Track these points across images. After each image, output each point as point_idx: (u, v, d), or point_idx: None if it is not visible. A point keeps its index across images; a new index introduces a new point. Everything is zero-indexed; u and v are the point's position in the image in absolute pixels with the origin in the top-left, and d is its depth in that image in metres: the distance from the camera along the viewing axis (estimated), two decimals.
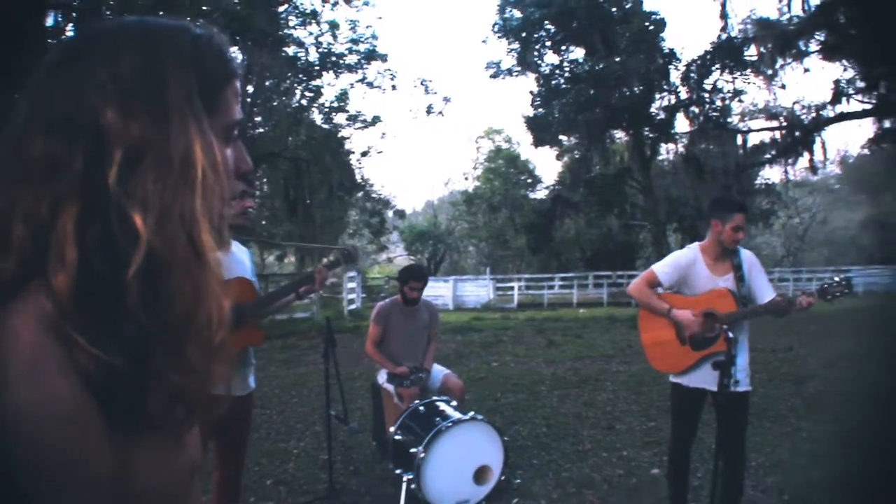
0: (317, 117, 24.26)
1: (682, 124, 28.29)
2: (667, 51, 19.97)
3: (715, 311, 3.85)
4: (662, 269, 4.04)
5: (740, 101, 20.39)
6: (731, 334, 3.50)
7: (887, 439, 5.77)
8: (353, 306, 20.96)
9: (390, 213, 33.44)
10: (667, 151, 25.17)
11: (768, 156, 19.21)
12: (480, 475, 4.39)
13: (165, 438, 0.80)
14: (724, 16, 19.07)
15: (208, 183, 0.78)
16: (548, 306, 29.08)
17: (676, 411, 4.07)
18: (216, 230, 0.80)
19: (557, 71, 20.67)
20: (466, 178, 47.61)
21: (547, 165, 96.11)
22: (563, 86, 20.34)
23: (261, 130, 20.72)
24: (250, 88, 18.37)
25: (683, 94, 19.89)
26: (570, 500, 4.57)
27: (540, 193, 43.33)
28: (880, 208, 53.23)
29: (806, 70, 20.75)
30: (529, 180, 43.39)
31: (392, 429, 4.66)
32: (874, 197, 55.60)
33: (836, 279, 3.72)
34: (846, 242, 50.57)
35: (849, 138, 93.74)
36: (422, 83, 20.02)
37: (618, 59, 19.32)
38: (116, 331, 0.73)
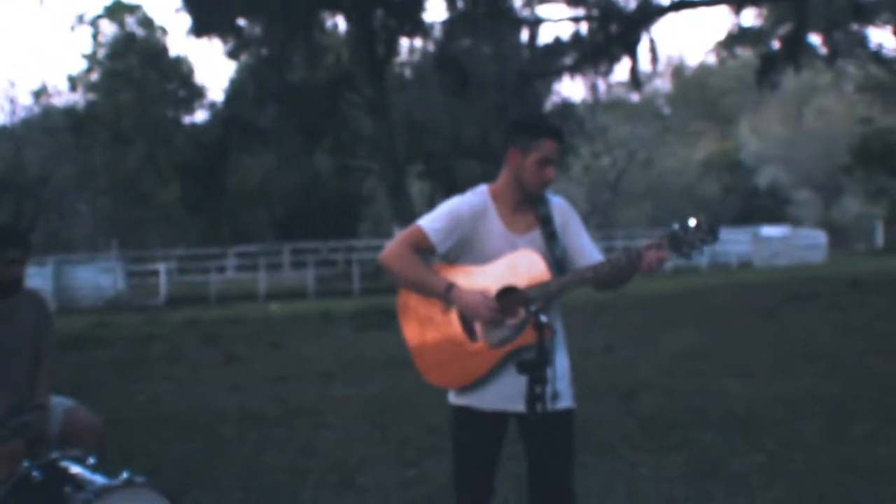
0: None
1: (436, 7, 29.13)
2: None
3: (518, 287, 4.00)
4: (434, 224, 4.01)
5: None
6: (543, 318, 3.66)
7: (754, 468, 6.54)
8: None
9: None
10: (410, 51, 25.92)
11: (568, 60, 20.35)
12: None
13: None
14: None
15: None
16: (217, 300, 29.08)
17: (463, 451, 4.15)
18: None
19: None
20: (75, 88, 45.70)
21: (213, 69, 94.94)
22: None
23: None
24: None
25: None
26: None
27: (200, 115, 42.87)
28: (725, 143, 59.09)
29: None
30: (184, 93, 42.73)
31: None
32: (724, 126, 61.61)
33: (694, 223, 3.83)
34: (679, 192, 55.43)
35: (683, 41, 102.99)
36: None
37: None
38: None
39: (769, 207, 50.11)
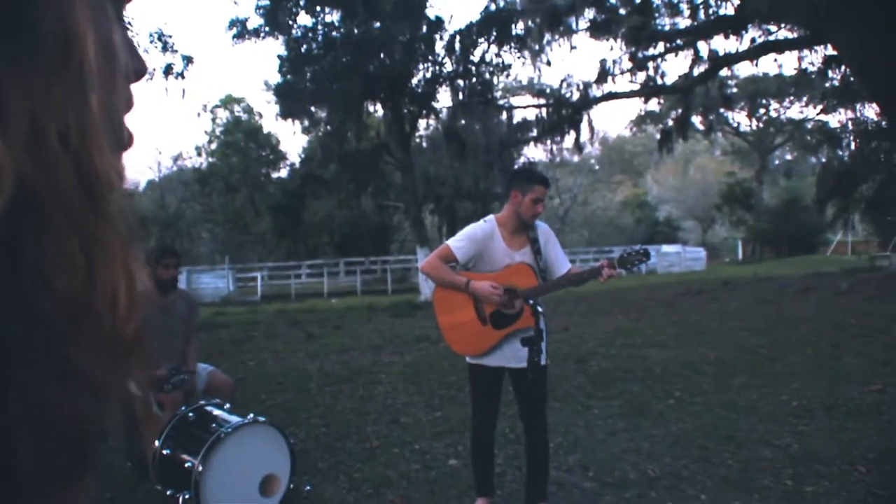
0: None
1: (444, 98, 29.25)
2: (433, 18, 20.43)
3: (515, 287, 4.02)
4: (458, 243, 4.10)
5: (507, 75, 21.47)
6: (539, 308, 3.71)
7: (668, 408, 6.52)
8: None
9: None
10: (426, 127, 26.01)
11: (533, 133, 20.50)
12: (267, 486, 4.23)
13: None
14: None
15: (106, 76, 0.49)
16: (296, 297, 28.93)
17: (479, 392, 4.20)
18: (119, 151, 0.52)
19: (310, 34, 20.29)
20: (200, 154, 45.84)
21: (290, 140, 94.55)
22: (316, 51, 20.07)
23: None
24: None
25: (448, 66, 20.50)
26: (370, 503, 4.59)
27: (282, 171, 42.86)
28: (636, 189, 59.59)
29: (573, 48, 22.40)
30: (272, 156, 42.68)
31: (157, 443, 4.33)
32: (636, 178, 62.13)
33: (635, 249, 4.04)
34: (606, 223, 55.75)
35: (608, 120, 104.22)
36: (160, 38, 18.31)
37: (378, 25, 19.43)
38: None
39: (666, 232, 50.33)
